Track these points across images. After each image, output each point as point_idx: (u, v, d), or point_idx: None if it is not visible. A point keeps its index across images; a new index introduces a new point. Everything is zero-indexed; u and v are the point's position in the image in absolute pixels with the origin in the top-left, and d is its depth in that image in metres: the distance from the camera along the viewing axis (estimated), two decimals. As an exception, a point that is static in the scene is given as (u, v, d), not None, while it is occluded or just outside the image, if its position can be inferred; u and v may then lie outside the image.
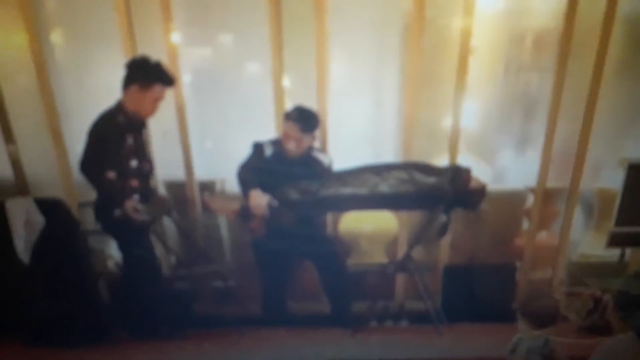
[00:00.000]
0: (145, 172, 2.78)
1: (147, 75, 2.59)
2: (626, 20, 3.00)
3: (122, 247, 2.86)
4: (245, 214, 2.82)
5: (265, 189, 2.80)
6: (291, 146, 2.83)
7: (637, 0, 3.01)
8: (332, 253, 3.10)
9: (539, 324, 1.99)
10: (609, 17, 2.88)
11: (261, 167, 2.85)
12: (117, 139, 2.61)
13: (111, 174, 2.59)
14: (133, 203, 2.61)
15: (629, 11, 2.99)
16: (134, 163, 2.67)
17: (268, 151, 2.89)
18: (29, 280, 2.84)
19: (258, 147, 2.89)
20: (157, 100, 2.66)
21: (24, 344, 2.86)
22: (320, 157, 2.97)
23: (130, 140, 2.66)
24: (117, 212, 2.60)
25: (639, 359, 1.83)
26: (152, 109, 2.68)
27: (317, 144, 3.05)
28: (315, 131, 2.90)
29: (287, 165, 2.86)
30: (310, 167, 2.92)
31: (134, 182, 2.68)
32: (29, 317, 2.84)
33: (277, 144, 2.91)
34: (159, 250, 3.04)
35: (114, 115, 2.62)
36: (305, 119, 2.83)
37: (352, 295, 3.22)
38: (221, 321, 3.18)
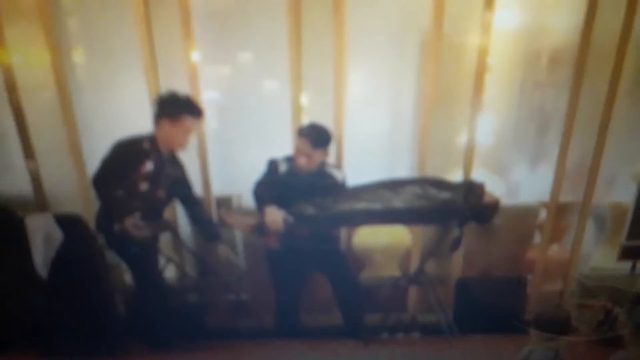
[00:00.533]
0: (157, 198, 2.79)
1: (176, 109, 2.65)
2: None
3: (124, 259, 2.88)
4: (261, 229, 2.85)
5: (280, 204, 2.81)
6: (302, 162, 2.84)
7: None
8: (344, 266, 3.12)
9: (551, 334, 2.03)
10: (625, 35, 2.90)
11: (276, 183, 2.86)
12: (135, 161, 2.64)
13: (119, 192, 2.61)
14: (134, 220, 2.61)
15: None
16: (144, 187, 2.69)
17: (282, 167, 2.90)
18: (46, 294, 2.86)
19: (272, 164, 2.90)
20: (187, 132, 2.71)
21: (38, 355, 2.88)
22: (334, 172, 2.98)
23: (149, 166, 2.68)
24: (115, 227, 2.61)
25: None
26: (184, 141, 2.74)
27: (330, 159, 3.04)
28: (327, 148, 2.90)
29: (300, 181, 2.86)
30: (324, 181, 2.92)
31: (140, 204, 2.68)
32: (45, 329, 2.87)
33: (291, 160, 2.93)
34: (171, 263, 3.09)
35: (141, 140, 2.67)
36: (316, 135, 2.83)
37: (364, 308, 3.23)
38: (235, 333, 3.24)
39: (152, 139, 2.69)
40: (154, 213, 2.80)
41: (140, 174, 2.67)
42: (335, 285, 3.15)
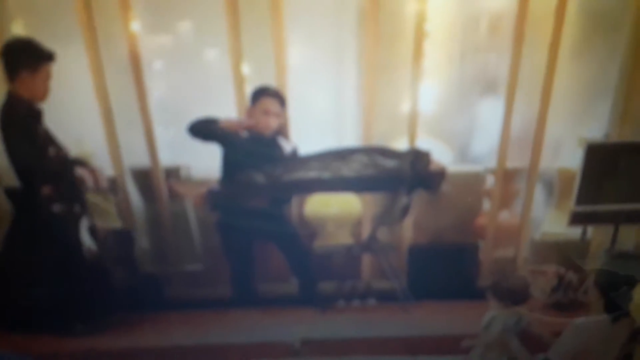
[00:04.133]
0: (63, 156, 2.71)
1: (32, 57, 2.49)
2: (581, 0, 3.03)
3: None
4: (211, 198, 2.88)
5: (234, 170, 2.84)
6: (273, 122, 2.86)
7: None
8: (293, 236, 3.17)
9: (510, 302, 2.07)
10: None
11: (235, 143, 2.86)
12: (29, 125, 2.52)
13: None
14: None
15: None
16: (52, 151, 2.61)
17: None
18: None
19: None
20: (47, 79, 2.57)
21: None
22: (283, 143, 3.02)
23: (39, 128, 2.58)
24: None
25: (610, 341, 1.92)
26: (46, 90, 2.59)
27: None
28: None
29: (255, 148, 2.88)
30: (272, 150, 2.96)
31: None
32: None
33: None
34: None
35: (13, 108, 2.52)
36: (281, 94, 2.88)
37: (318, 275, 3.28)
38: (191, 304, 3.28)
39: (19, 100, 2.52)
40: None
41: (40, 138, 2.57)
42: (287, 255, 3.21)
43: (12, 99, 2.52)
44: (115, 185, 3.02)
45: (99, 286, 2.85)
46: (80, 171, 2.67)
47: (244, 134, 2.90)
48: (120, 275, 2.97)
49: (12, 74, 2.50)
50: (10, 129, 2.50)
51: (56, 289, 2.75)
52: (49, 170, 2.58)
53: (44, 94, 2.59)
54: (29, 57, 2.49)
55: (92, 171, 2.74)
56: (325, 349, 2.77)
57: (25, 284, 2.78)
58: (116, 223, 2.99)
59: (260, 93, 2.87)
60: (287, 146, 3.02)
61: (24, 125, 2.50)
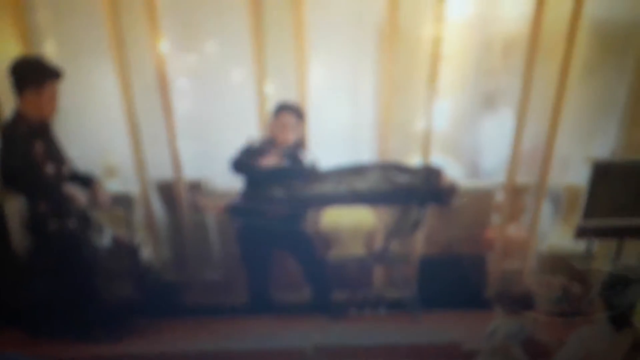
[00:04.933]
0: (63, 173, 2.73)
1: (38, 75, 2.52)
2: (591, 24, 3.11)
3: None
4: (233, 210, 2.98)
5: (254, 185, 2.95)
6: (290, 136, 2.96)
7: (602, 4, 3.11)
8: (309, 246, 3.27)
9: (514, 310, 2.17)
10: (575, 21, 3.02)
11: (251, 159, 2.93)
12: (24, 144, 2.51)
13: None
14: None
15: (594, 14, 3.09)
16: (50, 168, 2.62)
17: (256, 144, 3.00)
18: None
19: (247, 144, 2.99)
20: (54, 98, 2.59)
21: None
22: (302, 157, 3.10)
23: (39, 145, 2.59)
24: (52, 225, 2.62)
25: (613, 350, 2.00)
26: (53, 108, 2.61)
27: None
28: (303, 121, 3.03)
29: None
30: (293, 164, 3.04)
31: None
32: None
33: (266, 143, 3.02)
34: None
35: (14, 126, 2.54)
36: (297, 107, 3.00)
37: (331, 284, 3.37)
38: (208, 311, 3.36)
39: (23, 119, 2.53)
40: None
41: (38, 156, 2.57)
42: (302, 264, 3.30)
43: (17, 116, 2.55)
44: (128, 201, 3.10)
45: (111, 294, 2.91)
46: (70, 190, 2.69)
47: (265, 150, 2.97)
48: (128, 285, 3.03)
49: (18, 91, 2.54)
50: (6, 146, 2.52)
51: (65, 296, 2.81)
52: (40, 188, 2.60)
53: (50, 111, 2.61)
54: (33, 75, 2.52)
55: (96, 187, 2.80)
56: (337, 355, 2.87)
57: (38, 289, 2.85)
58: (126, 233, 3.05)
59: (281, 108, 2.98)
60: (306, 159, 3.11)
61: (19, 145, 2.50)
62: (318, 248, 3.36)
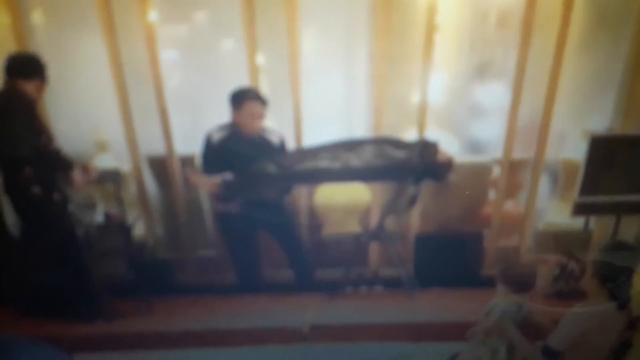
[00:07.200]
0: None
1: (31, 72, 2.64)
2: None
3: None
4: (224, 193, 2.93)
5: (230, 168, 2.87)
6: (258, 124, 2.90)
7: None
8: (289, 224, 3.27)
9: (517, 288, 2.10)
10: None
11: (217, 153, 2.91)
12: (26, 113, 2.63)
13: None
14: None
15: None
16: (44, 139, 2.71)
17: (221, 135, 2.93)
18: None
19: (206, 138, 2.95)
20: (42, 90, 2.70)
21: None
22: (271, 137, 3.04)
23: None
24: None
25: (609, 328, 1.97)
26: (38, 98, 2.73)
27: (289, 120, 3.14)
28: None
29: (246, 147, 2.90)
30: (263, 146, 2.99)
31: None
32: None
33: (229, 128, 2.94)
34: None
35: (14, 94, 2.64)
36: (261, 95, 2.90)
37: (311, 266, 3.39)
38: (206, 289, 3.36)
39: (15, 88, 2.64)
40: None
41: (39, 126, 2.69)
42: (281, 243, 3.30)
43: (12, 88, 2.64)
44: (117, 177, 3.04)
45: (99, 272, 2.91)
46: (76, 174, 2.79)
47: (216, 137, 2.92)
48: (117, 263, 3.04)
49: (9, 78, 2.65)
50: (12, 111, 2.60)
51: (56, 274, 2.82)
52: (37, 154, 2.65)
53: (38, 98, 2.72)
54: (25, 68, 2.64)
55: (84, 169, 2.84)
56: (333, 334, 2.86)
57: (29, 268, 2.86)
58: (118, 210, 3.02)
59: (244, 97, 2.86)
60: (274, 138, 3.04)
61: (25, 110, 2.61)
62: (300, 227, 3.35)
